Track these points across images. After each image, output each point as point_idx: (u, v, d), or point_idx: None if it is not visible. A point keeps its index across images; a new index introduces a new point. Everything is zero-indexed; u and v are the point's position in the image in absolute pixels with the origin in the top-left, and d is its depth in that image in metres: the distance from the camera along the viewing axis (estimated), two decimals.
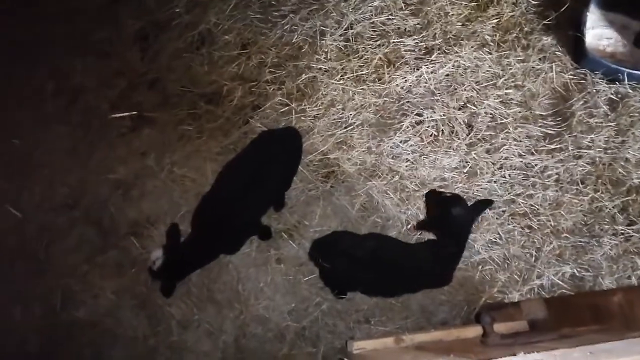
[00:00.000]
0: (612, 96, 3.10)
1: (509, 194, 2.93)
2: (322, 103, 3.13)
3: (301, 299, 2.85)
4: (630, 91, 3.08)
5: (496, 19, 3.24)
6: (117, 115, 3.11)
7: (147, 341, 2.81)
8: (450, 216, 2.56)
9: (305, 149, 2.99)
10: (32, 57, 3.25)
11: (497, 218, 2.89)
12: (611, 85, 3.11)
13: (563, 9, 3.21)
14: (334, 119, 3.10)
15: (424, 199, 2.88)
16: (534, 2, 3.30)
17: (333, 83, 3.15)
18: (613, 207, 2.89)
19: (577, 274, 2.77)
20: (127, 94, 3.16)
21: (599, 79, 3.11)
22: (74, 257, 2.92)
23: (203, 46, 3.22)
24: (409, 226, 2.89)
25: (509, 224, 2.88)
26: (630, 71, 3.05)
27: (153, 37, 3.25)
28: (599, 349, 1.21)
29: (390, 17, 3.25)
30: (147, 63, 3.21)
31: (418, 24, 3.25)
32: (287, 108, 3.11)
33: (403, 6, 3.28)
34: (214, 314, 2.84)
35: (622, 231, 2.84)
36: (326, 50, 3.21)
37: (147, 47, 3.24)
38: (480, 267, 2.82)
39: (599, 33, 3.25)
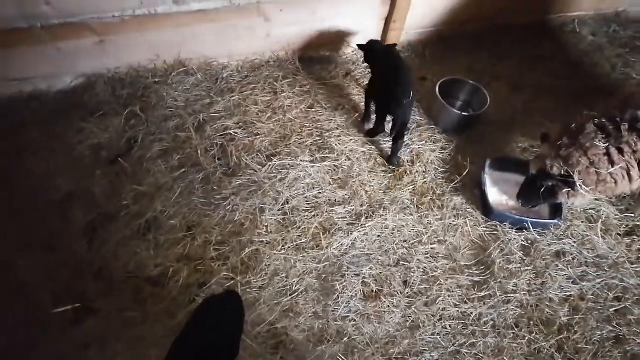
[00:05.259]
0: (523, 242, 3.49)
1: (452, 344, 3.03)
2: (266, 273, 3.28)
3: None
4: (538, 237, 3.50)
5: (412, 185, 3.74)
6: (60, 310, 3.07)
7: None
8: None
9: (253, 321, 3.03)
10: None
11: None
12: (521, 233, 3.52)
13: (465, 173, 3.78)
14: (279, 288, 3.23)
15: None
16: (440, 170, 3.87)
17: (275, 254, 3.35)
18: (550, 347, 3.04)
19: None
20: (71, 285, 3.16)
21: (509, 228, 3.53)
22: None
23: (149, 232, 3.39)
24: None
25: None
26: (534, 220, 3.51)
27: (101, 229, 3.40)
28: None
29: (321, 191, 3.66)
30: (94, 253, 3.28)
31: (346, 194, 3.67)
32: (232, 282, 3.22)
33: (331, 181, 3.73)
34: None
35: None
36: (266, 224, 3.48)
37: (94, 237, 3.36)
38: None
39: (500, 190, 3.79)
